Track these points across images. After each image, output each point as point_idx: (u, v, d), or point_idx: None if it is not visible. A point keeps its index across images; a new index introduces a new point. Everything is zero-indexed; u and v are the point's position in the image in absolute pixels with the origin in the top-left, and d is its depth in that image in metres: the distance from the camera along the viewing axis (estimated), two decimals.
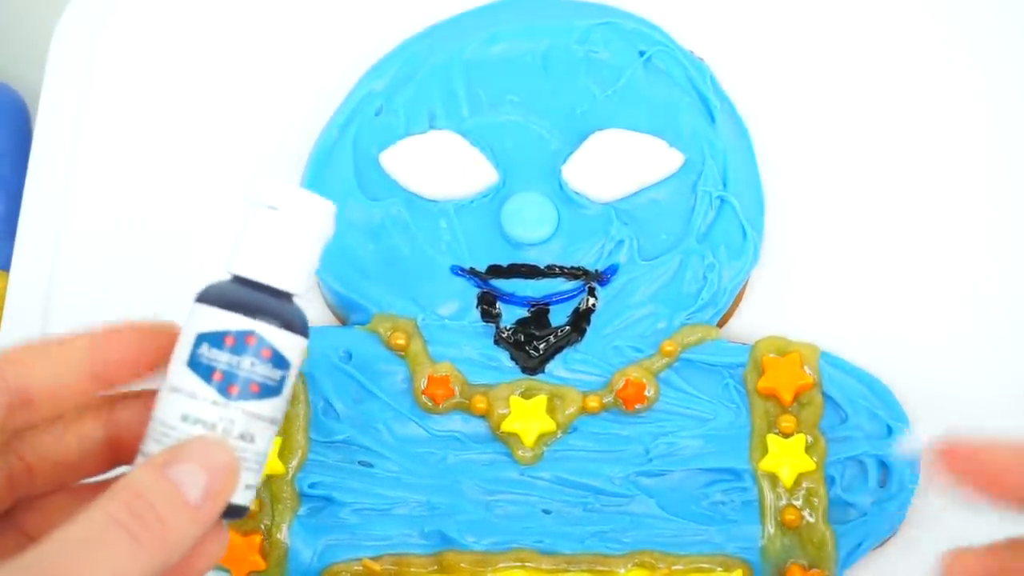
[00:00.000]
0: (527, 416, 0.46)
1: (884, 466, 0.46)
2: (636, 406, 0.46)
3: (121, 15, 0.54)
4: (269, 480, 0.46)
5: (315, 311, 0.50)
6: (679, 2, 0.53)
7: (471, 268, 0.48)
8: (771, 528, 0.45)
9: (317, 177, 0.49)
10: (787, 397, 0.46)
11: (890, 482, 0.46)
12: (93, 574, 0.30)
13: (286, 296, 0.35)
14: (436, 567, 0.45)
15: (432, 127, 0.49)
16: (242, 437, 0.34)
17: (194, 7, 0.55)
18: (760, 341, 0.47)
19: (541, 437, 0.46)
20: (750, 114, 0.51)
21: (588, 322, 0.47)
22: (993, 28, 0.53)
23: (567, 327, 0.47)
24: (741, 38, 0.53)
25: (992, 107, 0.52)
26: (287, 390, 0.35)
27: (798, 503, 0.45)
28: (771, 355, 0.47)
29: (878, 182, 0.51)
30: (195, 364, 0.34)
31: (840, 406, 0.47)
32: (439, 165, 0.49)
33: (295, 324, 0.35)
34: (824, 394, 0.47)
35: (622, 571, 0.45)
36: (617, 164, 0.48)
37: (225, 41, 0.54)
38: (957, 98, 0.52)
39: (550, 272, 0.48)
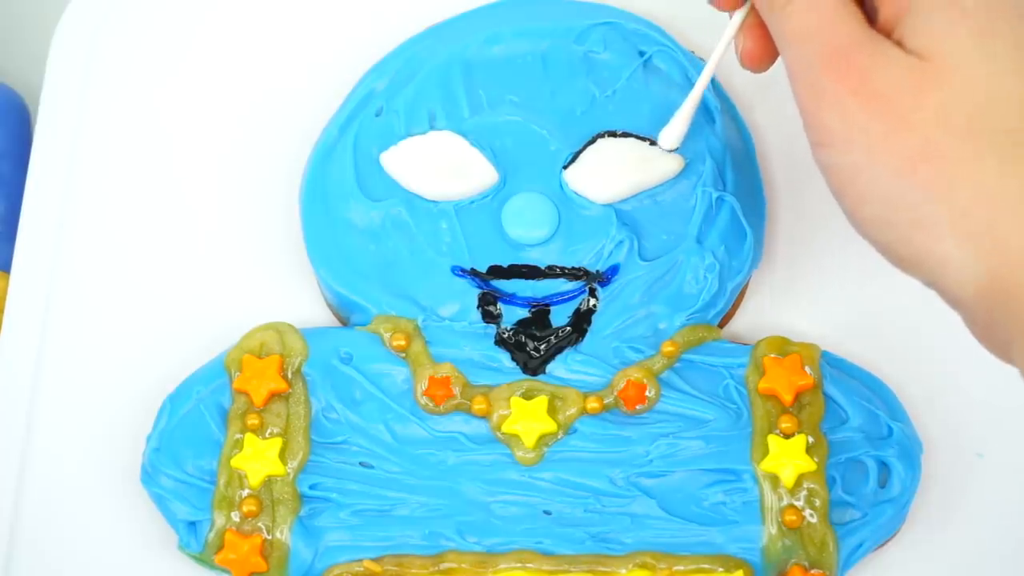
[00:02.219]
0: (528, 417, 0.46)
1: (885, 467, 0.46)
2: (637, 407, 0.46)
3: (121, 16, 0.54)
4: (270, 482, 0.46)
5: (315, 312, 0.50)
6: (679, 2, 0.53)
7: (472, 269, 0.48)
8: (772, 529, 0.45)
9: (317, 177, 0.49)
10: (788, 397, 0.46)
11: (891, 483, 0.46)
12: None
13: None
14: (437, 568, 0.45)
15: (432, 127, 0.49)
16: None
17: (194, 8, 0.55)
18: (761, 341, 0.47)
19: (542, 438, 0.46)
20: (750, 114, 0.51)
21: (589, 323, 0.47)
22: None
23: (568, 328, 0.47)
24: None
25: None
26: None
27: (799, 503, 0.45)
28: (772, 355, 0.47)
29: None
30: None
31: (841, 406, 0.47)
32: (439, 166, 0.49)
33: None
34: (825, 394, 0.47)
35: (623, 572, 0.45)
36: (617, 168, 0.48)
37: (225, 41, 0.54)
38: None
39: (551, 273, 0.48)
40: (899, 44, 0.37)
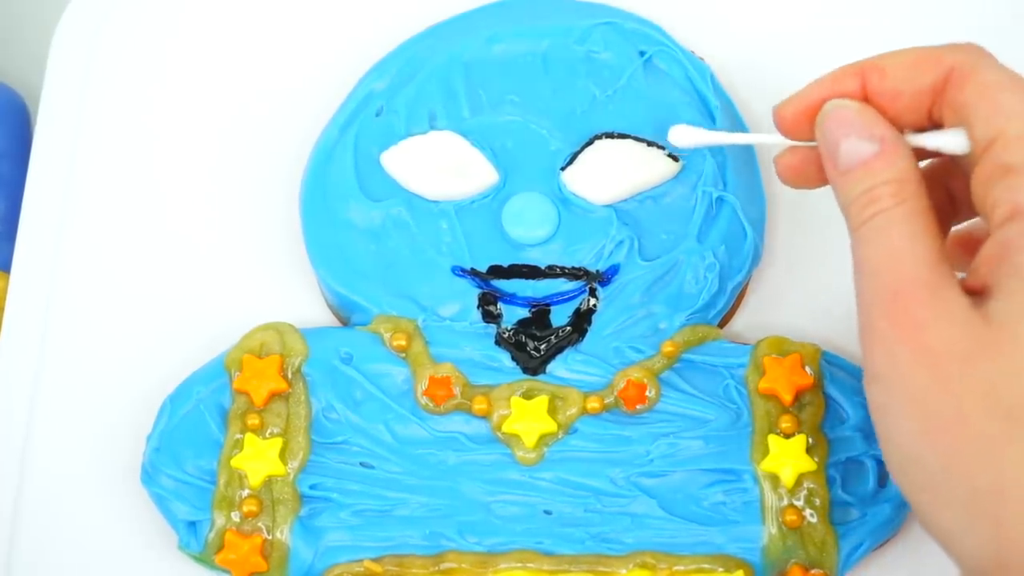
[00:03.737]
0: (528, 417, 0.46)
1: (885, 466, 0.46)
2: (637, 407, 0.46)
3: (121, 16, 0.54)
4: (270, 482, 0.46)
5: (315, 312, 0.50)
6: (679, 2, 0.53)
7: (472, 268, 0.48)
8: (772, 528, 0.45)
9: (318, 177, 0.49)
10: (788, 397, 0.46)
11: (890, 482, 0.46)
12: None
13: None
14: (437, 568, 0.45)
15: (433, 127, 0.49)
16: None
17: (194, 7, 0.55)
18: (761, 341, 0.47)
19: (542, 438, 0.46)
20: (750, 114, 0.51)
21: (589, 322, 0.47)
22: (995, 32, 0.53)
23: (568, 327, 0.47)
24: (741, 38, 0.53)
25: None
26: None
27: (799, 503, 0.45)
28: (772, 355, 0.47)
29: None
30: None
31: (841, 406, 0.47)
32: (440, 166, 0.49)
33: None
34: (825, 394, 0.47)
35: (623, 572, 0.45)
36: (614, 170, 0.48)
37: (225, 41, 0.54)
38: None
39: (551, 272, 0.48)
40: (978, 291, 0.35)
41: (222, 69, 0.54)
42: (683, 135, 0.44)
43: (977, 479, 0.34)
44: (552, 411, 0.46)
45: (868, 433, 0.46)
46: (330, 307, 0.50)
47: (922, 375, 0.35)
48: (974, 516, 0.34)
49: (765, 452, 0.46)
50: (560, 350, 0.47)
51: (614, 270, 0.48)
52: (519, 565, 0.45)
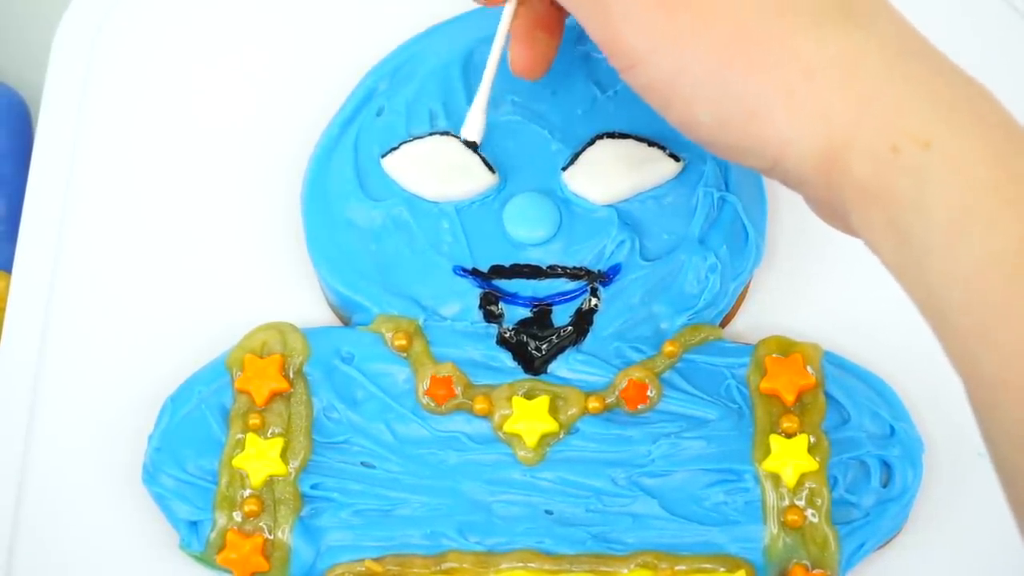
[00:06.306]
0: (529, 417, 0.46)
1: (887, 466, 0.46)
2: (638, 406, 0.46)
3: (122, 16, 0.54)
4: (271, 481, 0.46)
5: (317, 311, 0.50)
6: None
7: (473, 268, 0.48)
8: (774, 528, 0.45)
9: (318, 177, 0.49)
10: (789, 397, 0.46)
11: (893, 482, 0.46)
12: None
13: None
14: (438, 568, 0.45)
15: (433, 127, 0.49)
16: None
17: (195, 8, 0.55)
18: (762, 341, 0.47)
19: (543, 438, 0.46)
20: None
21: (590, 322, 0.47)
22: (993, 34, 0.53)
23: (569, 327, 0.47)
24: None
25: None
26: None
27: (801, 503, 0.45)
28: (773, 355, 0.47)
29: None
30: None
31: (843, 406, 0.47)
32: (440, 166, 0.49)
33: None
34: (827, 394, 0.47)
35: (624, 572, 0.45)
36: (615, 170, 0.48)
37: (226, 41, 0.54)
38: None
39: (552, 272, 0.48)
40: None
41: (223, 69, 0.54)
42: (470, 126, 0.44)
43: (786, 76, 0.35)
44: (553, 411, 0.46)
45: (871, 433, 0.46)
46: (331, 307, 0.50)
47: (681, 17, 0.35)
48: (798, 112, 0.35)
49: (767, 452, 0.46)
50: (561, 350, 0.47)
51: (615, 270, 0.48)
52: (520, 565, 0.45)
